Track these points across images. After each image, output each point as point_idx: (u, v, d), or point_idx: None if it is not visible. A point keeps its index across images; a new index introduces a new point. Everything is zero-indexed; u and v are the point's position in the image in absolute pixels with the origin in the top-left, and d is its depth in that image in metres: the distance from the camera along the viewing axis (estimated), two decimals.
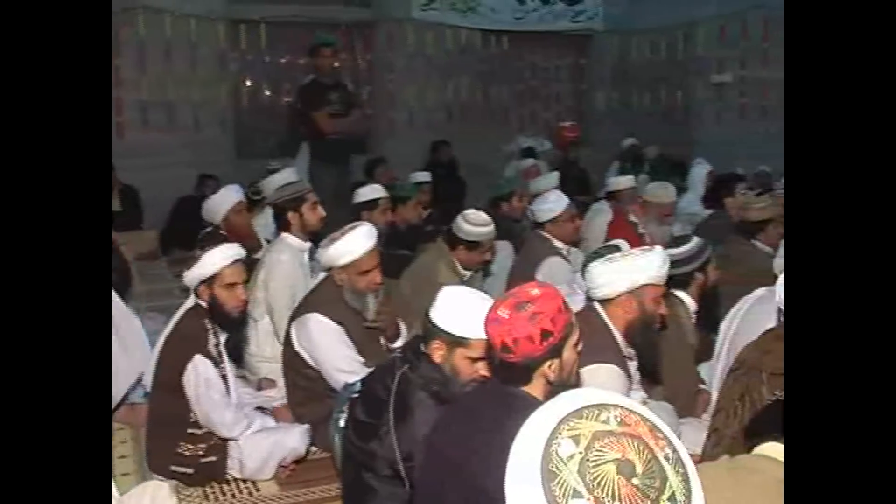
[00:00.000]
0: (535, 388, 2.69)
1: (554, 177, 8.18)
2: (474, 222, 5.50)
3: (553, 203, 6.21)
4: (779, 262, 4.76)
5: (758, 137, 11.29)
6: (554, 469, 1.50)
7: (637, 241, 5.53)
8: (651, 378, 4.17)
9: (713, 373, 4.56)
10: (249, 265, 4.93)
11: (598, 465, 1.48)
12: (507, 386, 2.72)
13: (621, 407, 1.58)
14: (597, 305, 3.79)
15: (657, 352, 3.95)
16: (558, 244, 6.11)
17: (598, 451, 1.49)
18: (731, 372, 3.51)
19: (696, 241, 4.64)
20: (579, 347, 2.77)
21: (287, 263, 5.29)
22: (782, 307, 3.33)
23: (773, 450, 2.55)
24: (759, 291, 4.40)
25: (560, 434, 1.53)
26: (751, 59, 11.84)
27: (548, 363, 2.65)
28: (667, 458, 1.52)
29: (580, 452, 1.49)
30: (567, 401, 1.60)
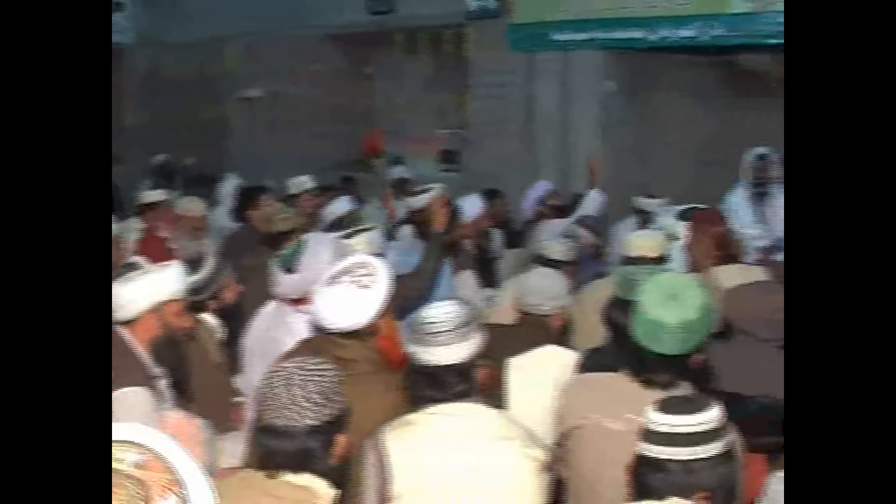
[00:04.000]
0: None
1: None
2: None
3: None
4: None
5: (289, 150, 11.70)
6: None
7: (168, 256, 5.47)
8: (184, 395, 4.17)
9: (246, 385, 4.65)
10: None
11: None
12: None
13: (151, 452, 1.54)
14: (119, 327, 3.68)
15: (186, 367, 3.94)
16: None
17: None
18: None
19: (209, 265, 4.62)
20: None
21: None
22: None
23: (302, 479, 2.62)
24: (271, 306, 4.55)
25: None
26: (280, 75, 12.17)
27: None
28: None
29: None
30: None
